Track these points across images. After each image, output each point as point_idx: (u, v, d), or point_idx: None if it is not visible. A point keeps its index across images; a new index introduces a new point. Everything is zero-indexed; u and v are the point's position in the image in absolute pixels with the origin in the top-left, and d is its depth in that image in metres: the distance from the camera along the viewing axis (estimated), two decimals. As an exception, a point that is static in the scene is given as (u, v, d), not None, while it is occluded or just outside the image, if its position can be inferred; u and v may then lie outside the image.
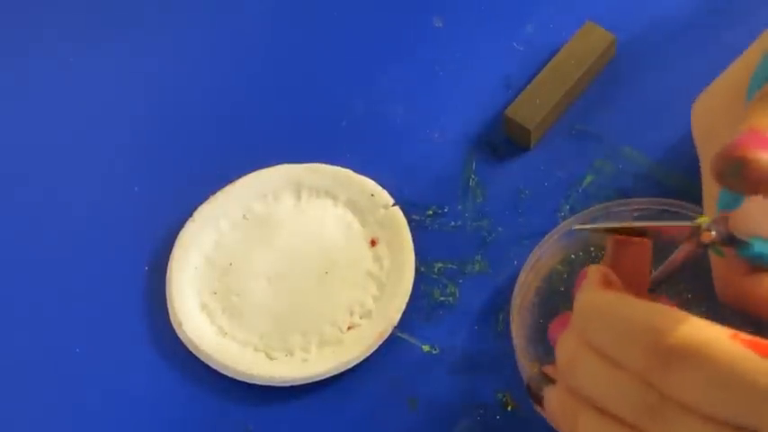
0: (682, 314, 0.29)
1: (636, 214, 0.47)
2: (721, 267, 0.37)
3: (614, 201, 0.47)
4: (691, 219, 0.45)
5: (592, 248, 0.47)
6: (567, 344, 0.32)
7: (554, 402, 0.33)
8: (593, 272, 0.34)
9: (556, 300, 0.46)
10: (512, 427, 0.45)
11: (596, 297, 0.32)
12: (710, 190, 0.40)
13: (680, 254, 0.36)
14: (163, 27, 0.59)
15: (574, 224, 0.46)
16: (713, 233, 0.34)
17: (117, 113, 0.56)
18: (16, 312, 0.50)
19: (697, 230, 0.34)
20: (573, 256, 0.47)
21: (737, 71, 0.42)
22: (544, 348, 0.44)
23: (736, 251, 0.35)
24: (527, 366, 0.43)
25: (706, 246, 0.35)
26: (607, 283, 0.33)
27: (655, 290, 0.38)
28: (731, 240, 0.34)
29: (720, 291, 0.38)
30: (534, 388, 0.35)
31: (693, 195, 0.49)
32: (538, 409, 0.35)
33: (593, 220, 0.47)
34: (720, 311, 0.38)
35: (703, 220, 0.34)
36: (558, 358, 0.33)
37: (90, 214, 0.53)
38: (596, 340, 0.31)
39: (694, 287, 0.44)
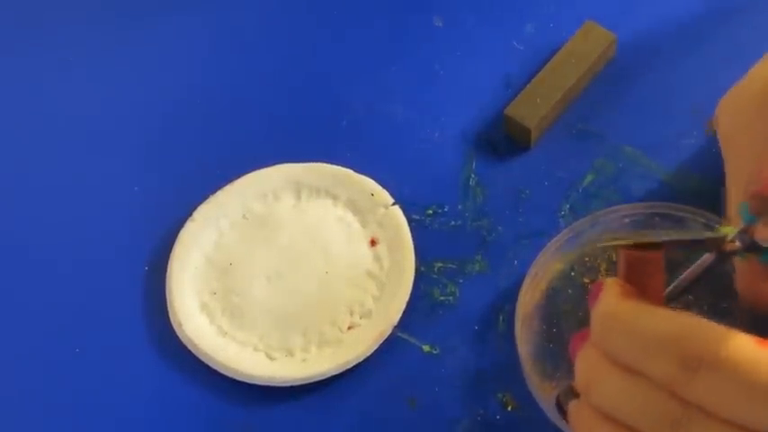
0: (706, 322, 0.29)
1: (626, 220, 0.46)
2: (744, 271, 0.37)
3: (602, 210, 0.47)
4: (686, 222, 0.45)
5: (586, 259, 0.47)
6: (586, 359, 0.32)
7: (574, 416, 0.33)
8: (611, 284, 0.33)
9: (558, 312, 0.46)
10: (512, 427, 0.44)
11: (618, 307, 0.32)
12: (734, 197, 0.40)
13: (701, 265, 0.36)
14: (163, 27, 0.59)
15: (568, 235, 0.46)
16: (738, 243, 0.34)
17: (117, 113, 0.56)
18: (16, 312, 0.50)
19: (722, 240, 0.34)
20: (568, 267, 0.47)
21: (766, 72, 0.41)
22: (551, 363, 0.44)
23: (759, 259, 0.35)
24: (536, 382, 0.43)
25: (730, 255, 0.34)
26: (627, 294, 0.33)
27: (670, 303, 0.38)
28: (754, 248, 0.34)
29: (742, 293, 0.38)
30: (562, 402, 0.35)
31: (694, 195, 0.49)
32: (563, 424, 0.35)
33: (582, 232, 0.46)
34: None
35: (727, 231, 0.34)
36: (578, 373, 0.33)
37: (90, 214, 0.53)
38: (618, 351, 0.31)
39: (704, 297, 0.44)
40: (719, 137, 0.44)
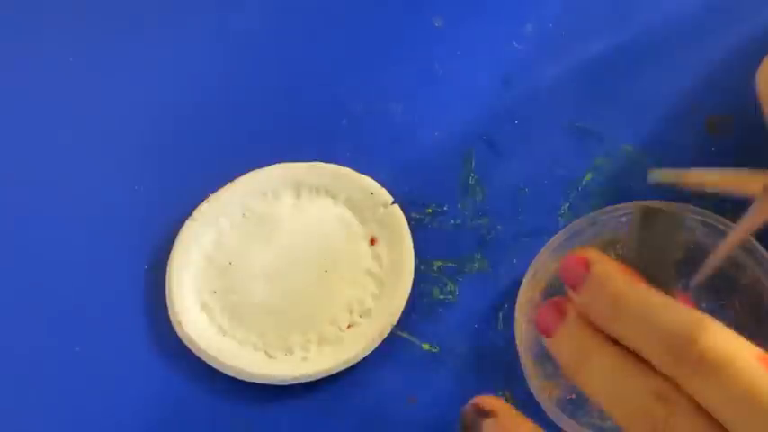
0: (716, 324, 0.29)
1: (623, 219, 0.46)
2: None
3: (599, 210, 0.47)
4: (686, 222, 0.44)
5: None
6: (574, 336, 0.32)
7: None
8: (606, 263, 0.32)
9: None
10: (512, 426, 0.44)
11: (632, 291, 0.31)
12: None
13: (754, 215, 0.35)
14: (163, 27, 0.59)
15: (567, 234, 0.46)
16: None
17: (117, 113, 0.56)
18: (16, 311, 0.50)
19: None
20: None
21: None
22: (551, 363, 0.44)
23: None
24: (537, 382, 0.43)
25: None
26: (634, 276, 0.32)
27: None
28: None
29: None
30: (467, 421, 0.34)
31: (694, 195, 0.49)
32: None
33: (582, 231, 0.46)
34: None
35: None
36: (566, 351, 0.32)
37: (90, 213, 0.53)
38: (626, 333, 0.30)
39: (704, 296, 0.44)
40: (761, 100, 0.43)
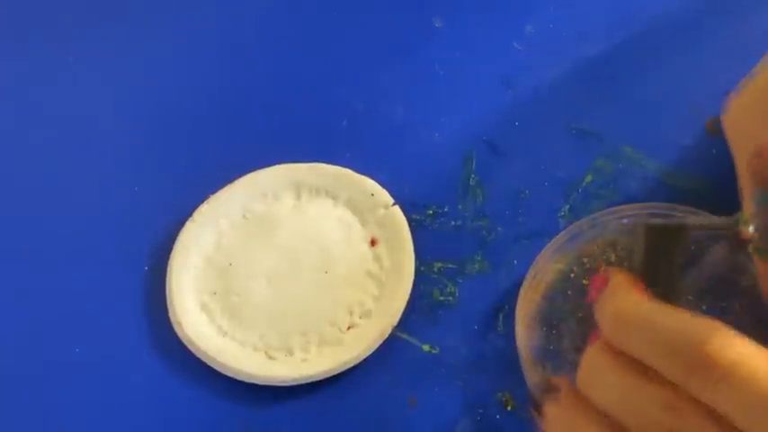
0: (726, 330, 0.29)
1: (625, 220, 0.46)
2: (763, 265, 0.37)
3: (600, 211, 0.47)
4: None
5: (586, 259, 0.47)
6: (593, 354, 0.32)
7: (552, 414, 0.33)
8: (619, 276, 0.33)
9: (557, 312, 0.46)
10: (512, 427, 0.44)
11: (635, 304, 0.32)
12: (748, 188, 0.40)
13: (712, 256, 0.36)
14: (163, 27, 0.59)
15: (567, 236, 0.46)
16: (751, 229, 0.33)
17: (116, 113, 0.56)
18: (16, 312, 0.50)
19: (734, 226, 0.34)
20: (567, 268, 0.47)
21: None
22: (551, 363, 0.44)
23: None
24: (537, 383, 0.43)
25: (745, 242, 0.34)
26: (641, 290, 0.33)
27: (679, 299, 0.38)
28: None
29: (765, 288, 0.38)
30: (537, 396, 0.34)
31: (694, 195, 0.49)
32: (536, 417, 0.35)
33: (582, 233, 0.46)
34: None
35: (742, 215, 0.34)
36: (583, 367, 0.33)
37: (90, 214, 0.53)
38: (632, 347, 0.31)
39: (704, 297, 0.44)
40: (728, 137, 0.44)
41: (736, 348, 0.28)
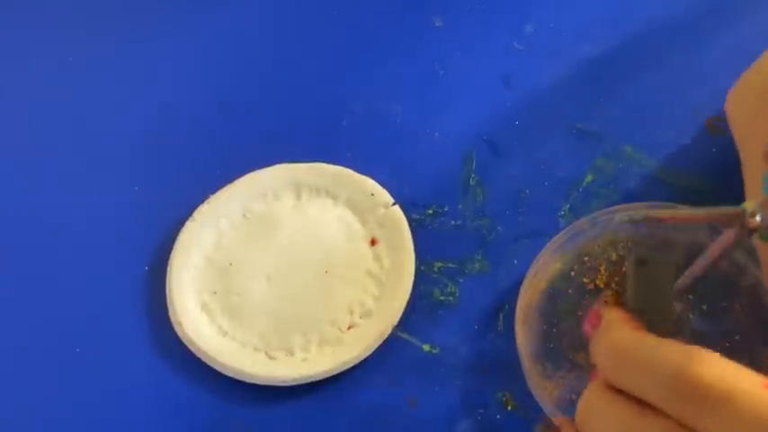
0: (718, 359, 0.29)
1: (625, 219, 0.46)
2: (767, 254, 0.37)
3: (600, 210, 0.47)
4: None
5: (586, 259, 0.47)
6: (591, 391, 0.33)
7: None
8: (613, 312, 0.34)
9: (557, 312, 0.46)
10: (512, 427, 0.44)
11: (629, 338, 0.32)
12: (754, 175, 0.39)
13: (718, 245, 0.35)
14: (163, 27, 0.59)
15: (567, 235, 0.46)
16: (759, 218, 0.33)
17: (117, 113, 0.56)
18: (16, 312, 0.50)
19: (742, 215, 0.33)
20: (568, 267, 0.47)
21: None
22: (551, 363, 0.44)
23: None
24: (537, 382, 0.43)
25: (751, 231, 0.33)
26: (635, 325, 0.33)
27: (684, 294, 0.37)
28: None
29: None
30: None
31: (694, 195, 0.49)
32: None
33: (582, 232, 0.46)
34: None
35: (748, 205, 0.33)
36: (581, 405, 0.33)
37: (90, 214, 0.53)
38: (628, 383, 0.31)
39: (704, 297, 0.44)
40: (732, 126, 0.44)
41: (729, 375, 0.29)
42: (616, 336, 0.32)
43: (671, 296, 0.34)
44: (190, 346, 0.48)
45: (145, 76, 0.58)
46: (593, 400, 0.32)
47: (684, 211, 0.36)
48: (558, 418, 0.34)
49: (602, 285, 0.45)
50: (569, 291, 0.46)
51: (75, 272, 0.51)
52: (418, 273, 0.48)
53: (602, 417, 0.32)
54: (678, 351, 0.30)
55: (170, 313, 0.49)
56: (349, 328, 0.47)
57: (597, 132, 0.52)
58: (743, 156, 0.43)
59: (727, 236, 0.34)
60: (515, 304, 0.45)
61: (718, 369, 0.29)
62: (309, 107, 0.55)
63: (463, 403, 0.45)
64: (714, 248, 0.35)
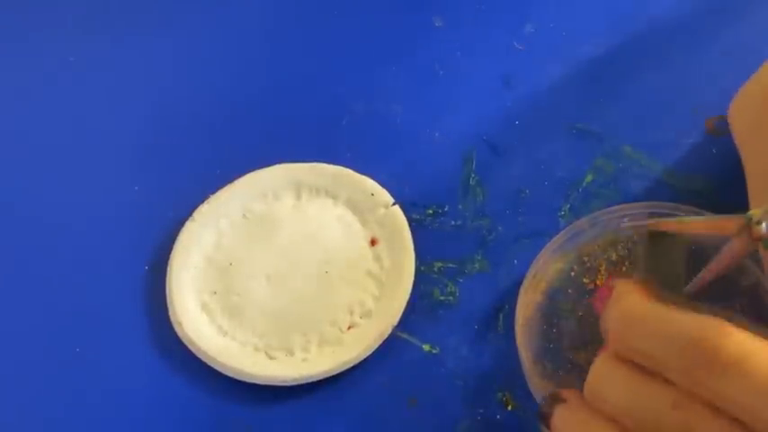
0: (728, 326, 0.29)
1: (625, 220, 0.46)
2: None
3: (600, 210, 0.47)
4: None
5: (586, 259, 0.47)
6: (602, 362, 0.33)
7: (560, 425, 0.34)
8: (624, 283, 0.34)
9: (558, 312, 0.46)
10: (512, 427, 0.44)
11: (641, 305, 0.32)
12: (758, 185, 0.40)
13: (727, 254, 0.35)
14: (163, 27, 0.59)
15: (567, 235, 0.46)
16: (764, 226, 0.32)
17: (117, 113, 0.56)
18: (16, 312, 0.50)
19: (748, 224, 0.33)
20: (568, 267, 0.47)
21: None
22: (551, 363, 0.44)
23: None
24: (537, 382, 0.43)
25: (758, 240, 0.33)
26: (647, 294, 0.33)
27: (696, 299, 0.37)
28: None
29: None
30: (545, 407, 0.35)
31: (694, 195, 0.49)
32: (543, 430, 0.35)
33: (582, 232, 0.46)
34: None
35: (754, 213, 0.33)
36: (592, 375, 0.33)
37: (90, 214, 0.53)
38: (639, 351, 0.31)
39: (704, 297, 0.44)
40: (735, 135, 0.44)
41: (738, 340, 0.29)
42: (626, 303, 0.32)
43: (681, 269, 0.34)
44: (190, 346, 0.47)
45: (145, 76, 0.58)
46: (603, 371, 0.32)
47: (689, 221, 0.36)
48: (565, 390, 0.34)
49: (602, 285, 0.45)
50: (569, 291, 0.46)
51: (75, 272, 0.51)
52: (418, 273, 0.48)
53: (611, 386, 0.32)
54: (690, 317, 0.30)
55: (170, 313, 0.49)
56: (349, 328, 0.47)
57: (597, 132, 0.52)
58: (747, 167, 0.43)
59: (736, 244, 0.34)
60: (515, 304, 0.45)
61: (729, 334, 0.29)
62: (309, 107, 0.55)
63: (463, 403, 0.45)
64: (724, 257, 0.35)
